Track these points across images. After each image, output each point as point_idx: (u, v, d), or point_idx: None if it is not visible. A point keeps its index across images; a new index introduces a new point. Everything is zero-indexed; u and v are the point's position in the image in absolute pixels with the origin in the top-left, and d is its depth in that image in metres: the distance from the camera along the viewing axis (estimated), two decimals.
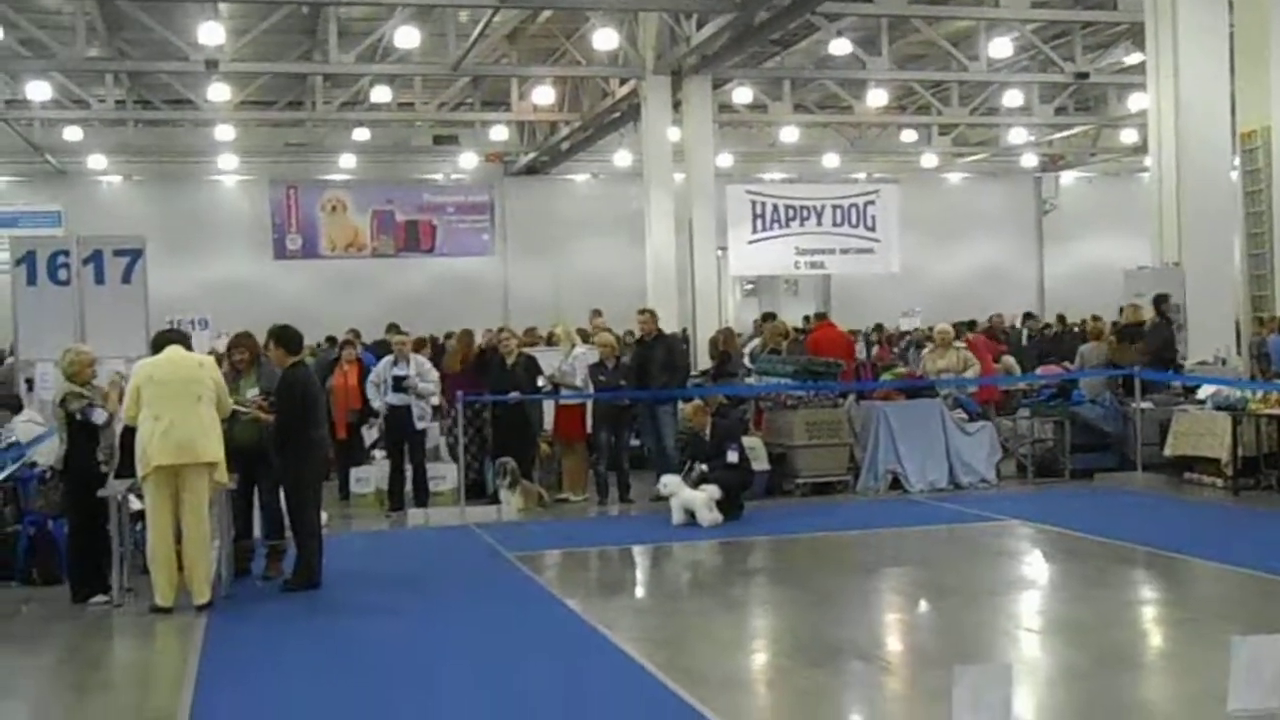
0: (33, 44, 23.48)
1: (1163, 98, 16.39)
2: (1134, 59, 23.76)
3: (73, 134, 29.83)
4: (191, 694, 7.49)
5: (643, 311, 15.37)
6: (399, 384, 14.21)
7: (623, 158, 32.28)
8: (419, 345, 16.57)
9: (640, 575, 11.71)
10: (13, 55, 23.89)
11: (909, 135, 34.63)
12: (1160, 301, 16.09)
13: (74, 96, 27.34)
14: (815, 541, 12.27)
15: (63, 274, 13.13)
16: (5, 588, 10.41)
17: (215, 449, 9.62)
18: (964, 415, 15.42)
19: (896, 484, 14.76)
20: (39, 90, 25.39)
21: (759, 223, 24.70)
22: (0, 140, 29.98)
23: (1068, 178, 38.75)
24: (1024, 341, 24.42)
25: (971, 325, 21.42)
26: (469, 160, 33.82)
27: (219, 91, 25.86)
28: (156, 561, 9.52)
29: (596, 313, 18.06)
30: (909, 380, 15.93)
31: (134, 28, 23.63)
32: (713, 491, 12.66)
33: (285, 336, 10.57)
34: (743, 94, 28.84)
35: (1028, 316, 28.04)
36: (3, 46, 23.19)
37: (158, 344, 10.05)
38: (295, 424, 10.22)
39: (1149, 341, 15.80)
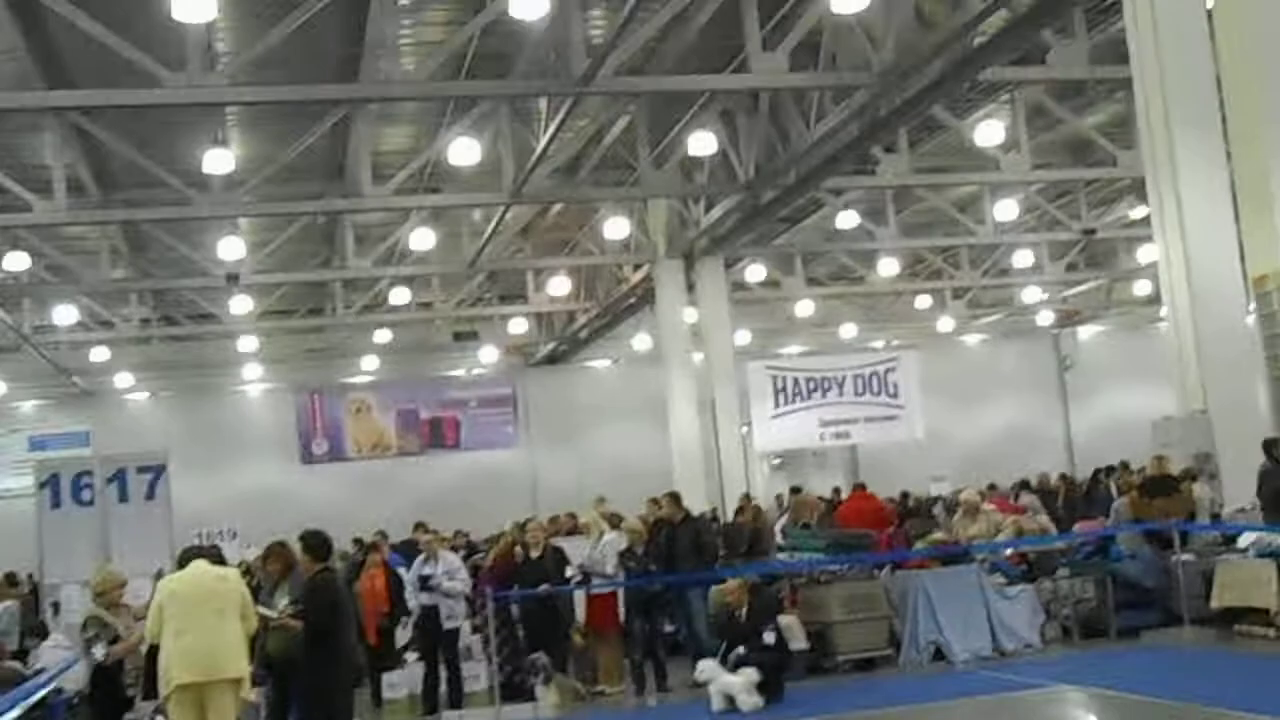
0: (59, 270, 24.04)
1: (1171, 249, 16.45)
2: (1139, 213, 24.01)
3: (99, 354, 30.31)
4: None
5: (666, 496, 15.26)
6: (425, 583, 14.05)
7: (642, 341, 32.56)
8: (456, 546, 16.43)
9: None
10: (40, 282, 24.41)
11: (923, 301, 34.89)
12: (1271, 446, 15.77)
13: (100, 318, 27.86)
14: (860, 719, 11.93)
15: (86, 494, 13.17)
16: None
17: (240, 664, 9.45)
18: (1003, 579, 15.13)
19: (940, 655, 14.39)
20: (66, 314, 25.92)
21: (781, 397, 24.76)
22: (28, 365, 30.42)
23: (1085, 332, 38.84)
24: (1059, 501, 24.15)
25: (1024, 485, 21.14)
26: (489, 354, 34.16)
27: (241, 304, 26.35)
28: None
29: (600, 500, 17.92)
30: (944, 548, 15.67)
31: (156, 248, 24.21)
32: (751, 675, 12.36)
33: (312, 543, 10.50)
34: (756, 271, 29.24)
35: (1063, 478, 27.75)
36: (31, 274, 23.71)
37: (184, 560, 9.99)
38: (323, 630, 10.07)
39: (1262, 487, 15.35)
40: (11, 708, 9.82)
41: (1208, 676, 12.41)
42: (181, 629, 9.34)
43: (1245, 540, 14.31)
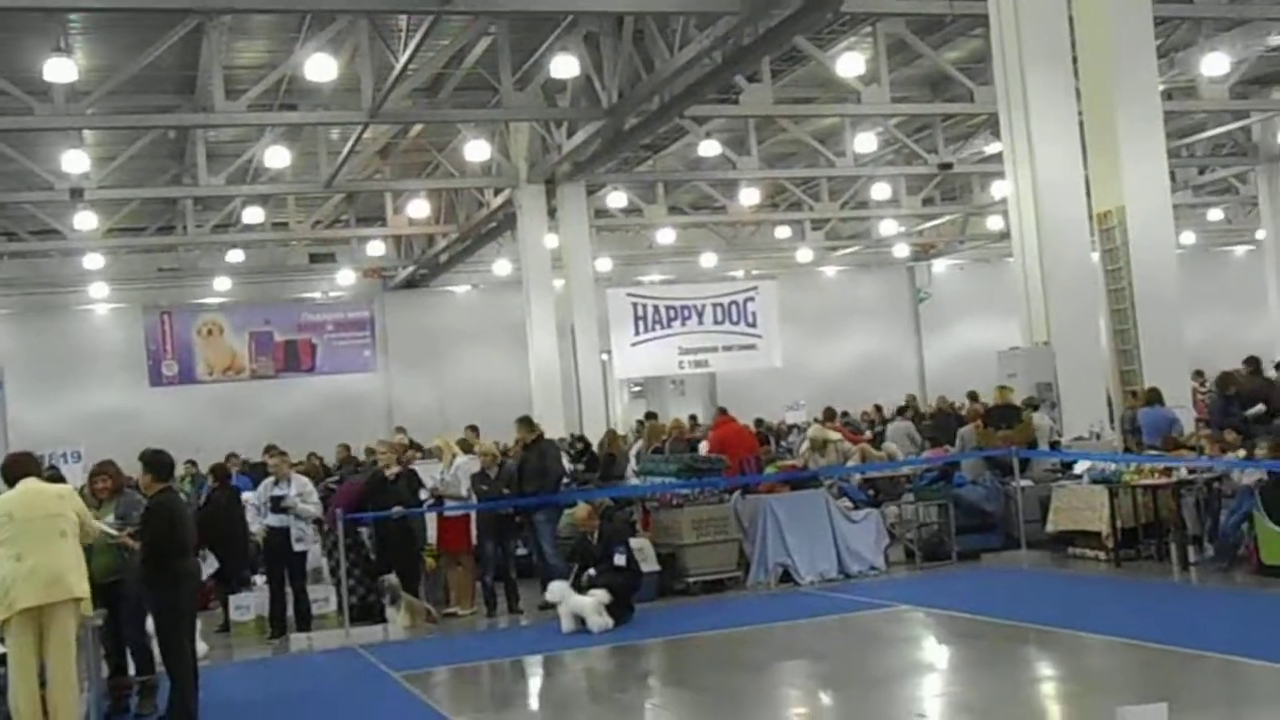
0: None
1: (1021, 184, 16.86)
2: (994, 148, 24.48)
3: None
4: None
5: (517, 420, 15.28)
6: (278, 504, 13.86)
7: (502, 266, 32.37)
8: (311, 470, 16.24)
9: (532, 687, 11.45)
10: None
11: (783, 231, 35.23)
12: (1225, 382, 16.30)
13: None
14: (709, 640, 12.11)
15: None
16: None
17: (83, 584, 9.21)
18: (850, 504, 15.48)
19: (787, 577, 14.69)
20: None
21: (641, 325, 24.85)
22: None
23: (940, 266, 39.63)
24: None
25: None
26: (347, 277, 33.65)
27: (86, 220, 25.51)
28: (21, 709, 9.03)
29: (472, 429, 17.86)
30: (793, 472, 15.95)
31: None
32: (601, 596, 12.48)
33: (153, 462, 10.23)
34: (617, 198, 29.19)
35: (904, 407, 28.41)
36: None
37: (11, 471, 9.59)
38: (163, 551, 9.86)
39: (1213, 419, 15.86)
40: None
41: (1041, 597, 12.91)
42: (23, 551, 9.02)
43: (1081, 467, 14.84)
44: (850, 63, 20.78)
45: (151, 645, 10.27)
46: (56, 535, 9.16)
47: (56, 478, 10.07)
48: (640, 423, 21.45)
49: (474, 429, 17.87)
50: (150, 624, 10.23)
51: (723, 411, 18.67)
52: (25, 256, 30.49)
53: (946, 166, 27.30)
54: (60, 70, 16.77)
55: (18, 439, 13.21)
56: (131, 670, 10.53)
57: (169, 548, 9.85)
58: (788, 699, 9.88)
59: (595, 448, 19.57)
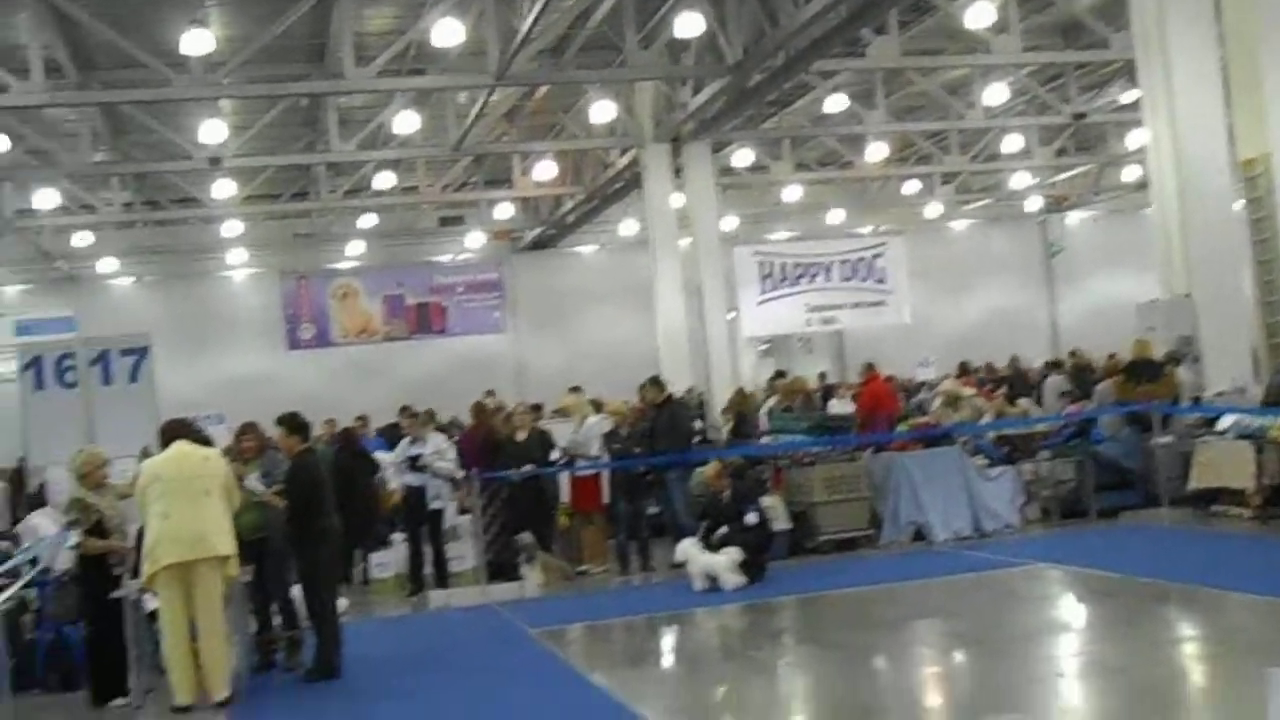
0: (39, 153, 23.76)
1: (1160, 133, 16.35)
2: (1130, 96, 23.77)
3: (82, 239, 30.06)
4: None
5: (648, 380, 15.33)
6: (414, 463, 14.15)
7: (628, 227, 32.39)
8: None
9: (665, 644, 11.55)
10: (20, 165, 24.14)
11: (912, 186, 34.69)
12: None
13: (82, 202, 27.58)
14: (841, 599, 12.10)
15: (70, 376, 13.16)
16: (26, 696, 10.28)
17: (226, 542, 9.55)
18: (985, 461, 15.28)
19: (920, 535, 14.59)
20: (47, 198, 25.65)
21: (768, 283, 24.70)
22: (11, 250, 30.22)
23: (1073, 218, 38.72)
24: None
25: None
26: (475, 239, 33.99)
27: (224, 188, 26.11)
28: (173, 661, 9.42)
29: (575, 390, 17.92)
30: (927, 430, 15.79)
31: (137, 130, 23.88)
32: (734, 554, 12.53)
33: (294, 424, 10.54)
34: (743, 156, 29.00)
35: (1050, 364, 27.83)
36: (10, 157, 23.43)
37: (165, 435, 10.01)
38: (306, 509, 10.15)
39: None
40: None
41: (1183, 555, 12.63)
42: (167, 510, 9.44)
43: (1225, 422, 14.44)
44: (980, 12, 20.30)
45: (296, 601, 10.58)
46: (201, 495, 9.51)
47: (205, 441, 10.40)
48: (770, 381, 21.36)
49: (576, 389, 17.94)
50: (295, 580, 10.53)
51: (871, 368, 18.57)
52: (167, 225, 31.34)
53: (1080, 116, 26.59)
54: (197, 42, 17.17)
55: (164, 403, 13.60)
56: (277, 625, 10.87)
57: (311, 507, 10.15)
58: (922, 657, 9.84)
59: (724, 407, 19.54)
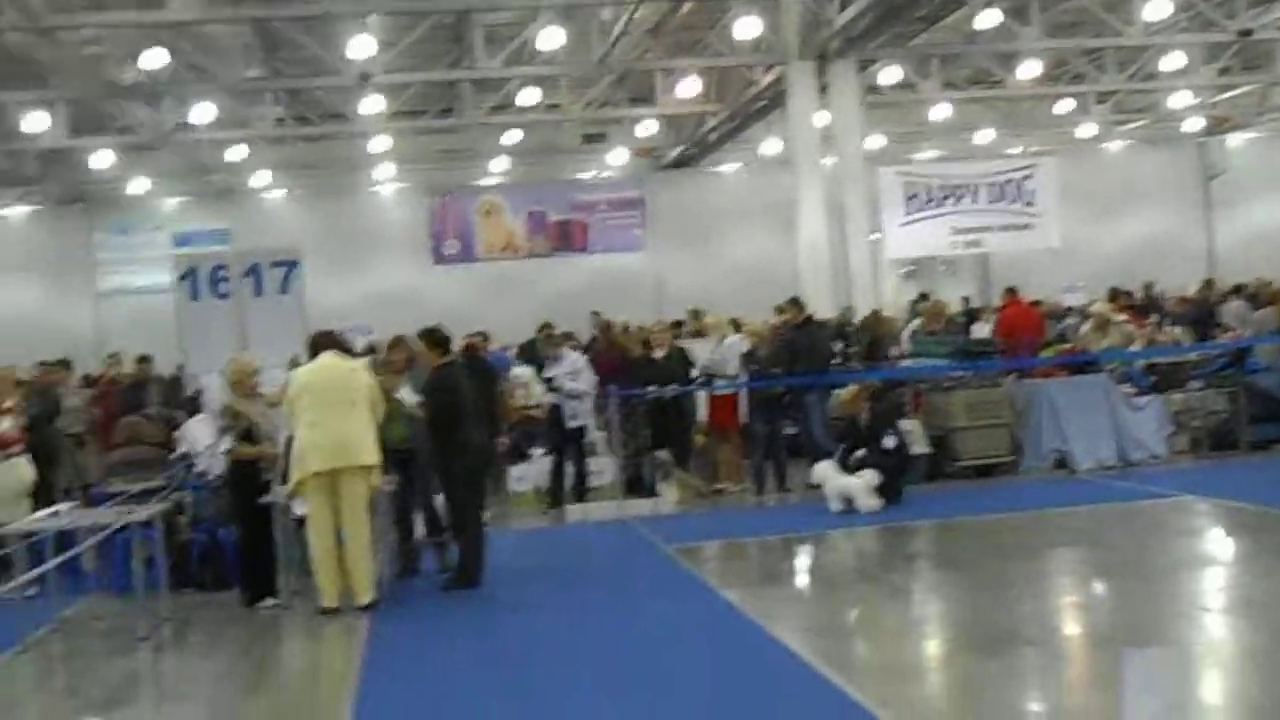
0: (196, 69, 24.29)
1: None
2: None
3: (237, 153, 30.74)
4: (356, 691, 7.67)
5: (788, 300, 15.22)
6: (549, 384, 14.32)
7: (771, 146, 32.00)
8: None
9: (799, 564, 11.59)
10: (179, 80, 24.74)
11: (1064, 106, 33.60)
12: None
13: (237, 117, 28.18)
14: (979, 524, 11.99)
15: (223, 287, 13.55)
16: (180, 595, 10.72)
17: (370, 452, 9.80)
18: (1131, 389, 14.92)
19: (1062, 463, 14.35)
20: (204, 112, 26.25)
21: (913, 204, 24.28)
22: (171, 162, 31.07)
23: (1235, 140, 37.21)
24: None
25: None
26: (618, 157, 33.93)
27: (373, 103, 26.42)
28: (320, 565, 9.74)
29: (697, 313, 17.82)
30: (1072, 356, 15.45)
31: (289, 47, 24.24)
32: (870, 477, 12.48)
33: (434, 337, 10.72)
34: (890, 74, 28.36)
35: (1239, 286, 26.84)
36: (169, 72, 24.01)
37: (314, 346, 10.25)
38: (446, 421, 10.35)
39: None
40: (159, 491, 10.34)
41: None
42: (315, 420, 9.71)
43: None
44: None
45: (440, 509, 10.83)
46: (348, 406, 9.76)
47: (351, 353, 10.65)
48: (913, 304, 21.06)
49: (695, 313, 17.86)
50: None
51: (1011, 292, 18.22)
52: (317, 140, 31.88)
53: (1246, 34, 25.43)
54: None
55: (313, 315, 13.95)
56: (420, 535, 11.15)
57: (450, 419, 10.34)
58: (1063, 587, 9.73)
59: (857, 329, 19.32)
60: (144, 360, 17.20)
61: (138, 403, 14.37)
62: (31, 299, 32.49)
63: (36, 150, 29.56)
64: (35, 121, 25.75)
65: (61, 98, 25.47)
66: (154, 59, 22.37)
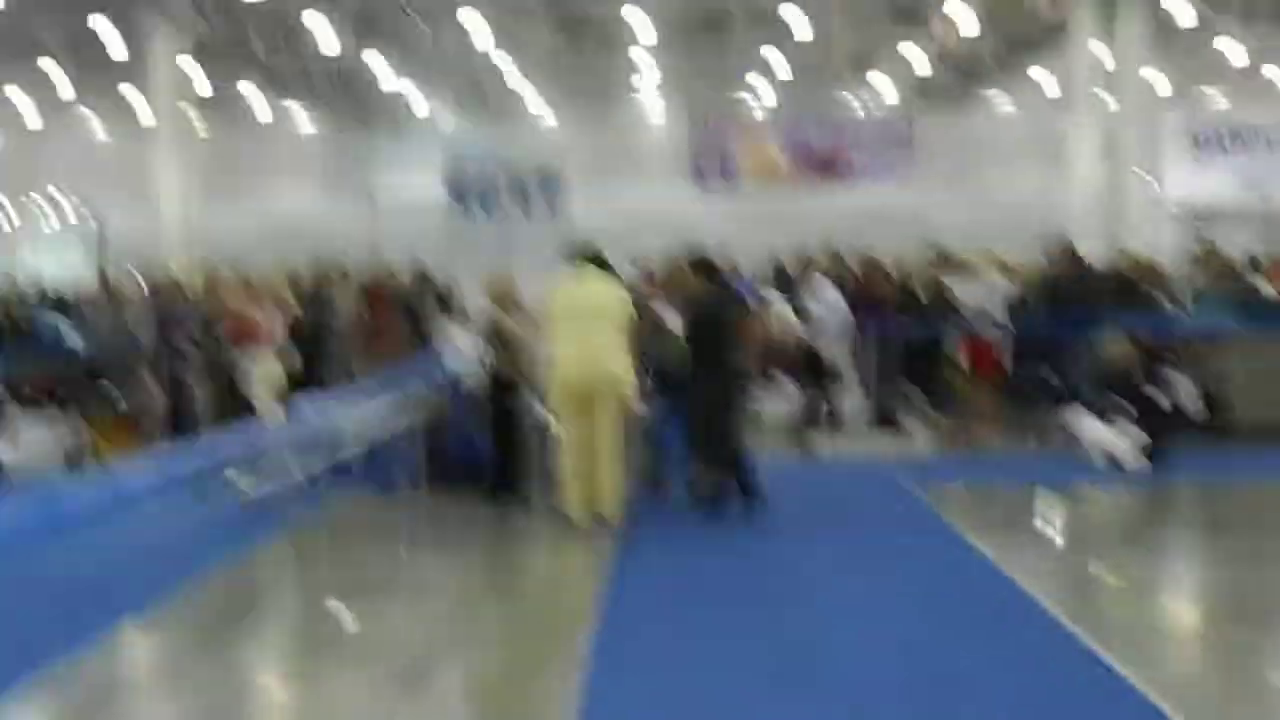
0: None
1: None
2: None
3: (511, 75, 31.47)
4: (600, 596, 7.86)
5: (1057, 245, 14.63)
6: (801, 315, 14.16)
7: (1048, 81, 30.84)
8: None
9: (1055, 519, 11.18)
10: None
11: None
12: None
13: (515, 40, 28.73)
14: (1256, 491, 11.32)
15: (490, 204, 13.87)
16: (438, 495, 11.08)
17: (625, 375, 9.89)
18: None
19: None
20: (482, 36, 26.81)
21: (1200, 150, 23.05)
22: (450, 81, 32.02)
23: None
24: None
25: None
26: (887, 88, 33.28)
27: (642, 26, 26.53)
28: (569, 480, 9.91)
29: (940, 254, 17.18)
30: None
31: None
32: (1137, 433, 11.93)
33: (700, 262, 10.75)
34: (1182, 8, 26.84)
35: None
36: None
37: (573, 259, 10.33)
38: (707, 345, 10.37)
39: None
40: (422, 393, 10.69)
41: None
42: (569, 335, 9.82)
43: None
44: None
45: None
46: (603, 323, 9.85)
47: (612, 270, 10.71)
48: (1196, 256, 19.95)
49: (943, 255, 17.16)
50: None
51: None
52: (587, 61, 32.30)
53: None
54: None
55: (575, 234, 14.14)
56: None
57: (713, 341, 10.35)
58: None
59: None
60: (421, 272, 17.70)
61: (411, 311, 14.87)
62: (313, 206, 34.15)
63: (325, 67, 30.93)
64: (322, 32, 26.85)
65: (348, 9, 26.49)
66: None
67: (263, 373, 12.03)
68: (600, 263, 10.36)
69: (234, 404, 12.29)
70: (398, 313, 14.73)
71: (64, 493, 5.02)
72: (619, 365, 9.86)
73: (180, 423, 13.06)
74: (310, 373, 12.68)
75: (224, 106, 32.34)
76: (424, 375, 11.03)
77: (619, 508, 9.91)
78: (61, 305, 18.69)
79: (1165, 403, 12.37)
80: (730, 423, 10.48)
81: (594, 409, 9.84)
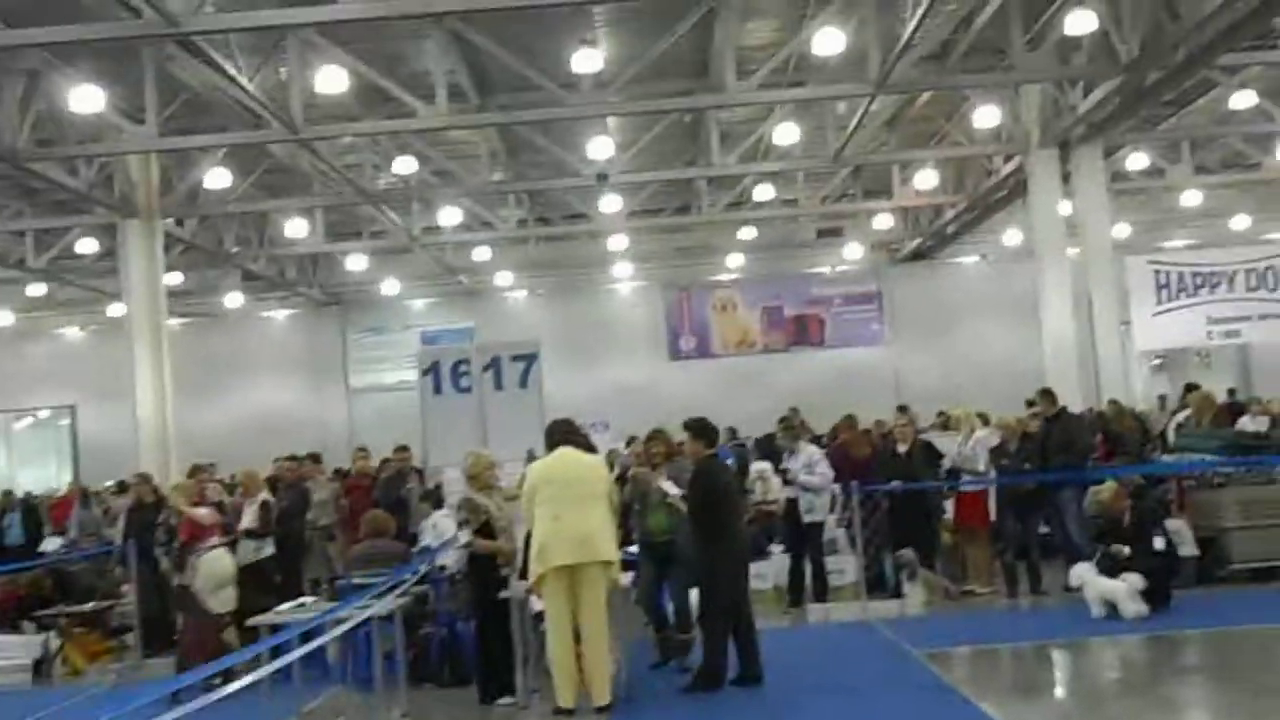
0: (443, 173, 25.20)
1: None
2: None
3: (481, 254, 31.76)
4: None
5: (1039, 392, 14.63)
6: (785, 477, 14.01)
7: (1012, 236, 31.30)
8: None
9: (1059, 674, 10.90)
10: (427, 185, 25.71)
11: None
12: None
13: (481, 219, 29.07)
14: (1259, 635, 11.07)
15: (464, 381, 13.78)
16: (419, 689, 10.74)
17: (610, 548, 9.68)
18: None
19: None
20: (450, 216, 27.20)
21: (1164, 293, 23.17)
22: (419, 265, 32.30)
23: None
24: None
25: None
26: (854, 251, 33.69)
27: (611, 203, 26.88)
28: (557, 662, 9.59)
29: (902, 409, 17.23)
30: None
31: (531, 150, 24.93)
32: (1135, 581, 11.72)
33: (702, 429, 10.59)
34: (1137, 159, 27.45)
35: None
36: (418, 178, 25.01)
37: (552, 437, 10.20)
38: (710, 515, 10.18)
39: None
40: (399, 583, 10.43)
41: None
42: (557, 514, 9.60)
43: None
44: None
45: (689, 605, 10.65)
46: (589, 500, 9.67)
47: (590, 446, 10.61)
48: (1163, 398, 20.00)
49: (904, 409, 17.22)
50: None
51: None
52: (557, 240, 32.67)
53: None
54: (587, 61, 17.69)
55: (552, 410, 14.02)
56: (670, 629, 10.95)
57: (716, 510, 10.16)
58: None
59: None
60: (402, 450, 17.47)
61: (395, 495, 14.66)
62: (290, 396, 34.07)
63: (295, 256, 31.18)
64: (295, 228, 27.19)
65: (319, 205, 26.80)
66: (404, 165, 23.37)
67: (207, 570, 11.82)
68: (578, 436, 10.28)
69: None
70: (376, 499, 14.52)
71: None
72: (606, 540, 9.67)
73: (154, 626, 12.79)
74: (286, 562, 12.42)
75: (197, 299, 32.49)
76: (402, 562, 10.79)
77: (609, 690, 9.58)
78: (32, 510, 18.44)
79: (1160, 547, 12.17)
80: (740, 591, 10.25)
81: (581, 587, 9.58)
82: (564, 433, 10.17)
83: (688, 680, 10.26)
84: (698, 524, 10.19)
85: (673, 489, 10.61)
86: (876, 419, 19.47)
